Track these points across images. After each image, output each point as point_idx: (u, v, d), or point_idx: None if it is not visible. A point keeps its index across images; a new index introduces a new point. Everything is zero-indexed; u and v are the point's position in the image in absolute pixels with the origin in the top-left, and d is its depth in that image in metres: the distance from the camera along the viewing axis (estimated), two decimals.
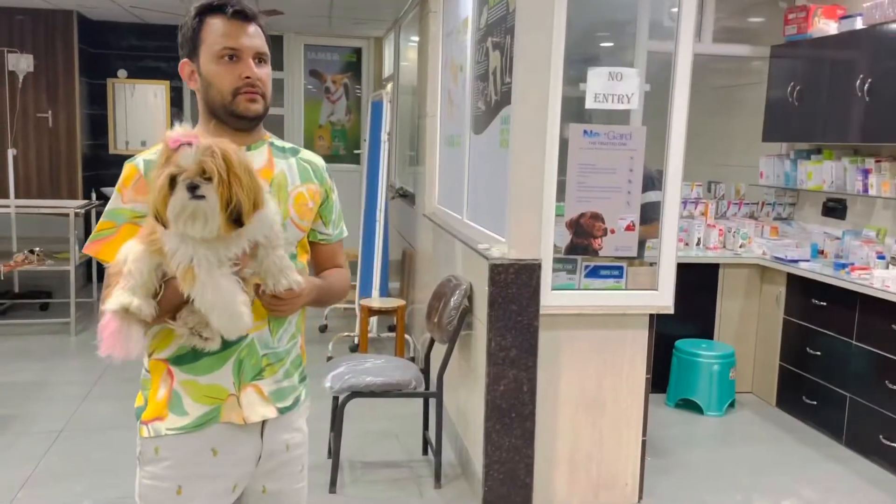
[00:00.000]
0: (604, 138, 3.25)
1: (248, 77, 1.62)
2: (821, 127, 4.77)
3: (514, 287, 3.22)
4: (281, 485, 1.77)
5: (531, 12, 3.10)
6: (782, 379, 4.81)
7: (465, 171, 4.16)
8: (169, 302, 1.54)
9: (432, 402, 3.78)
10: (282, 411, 1.72)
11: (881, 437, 3.96)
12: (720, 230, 5.18)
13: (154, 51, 8.20)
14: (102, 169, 8.08)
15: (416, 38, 6.46)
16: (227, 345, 1.63)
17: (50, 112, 7.43)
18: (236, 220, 1.43)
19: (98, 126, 8.18)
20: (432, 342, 3.92)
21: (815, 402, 4.49)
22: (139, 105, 8.30)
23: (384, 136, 5.49)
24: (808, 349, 4.53)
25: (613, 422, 3.43)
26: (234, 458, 1.67)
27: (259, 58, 1.65)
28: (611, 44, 3.93)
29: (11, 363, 5.21)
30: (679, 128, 3.30)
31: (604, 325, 3.36)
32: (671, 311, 3.39)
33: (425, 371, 3.85)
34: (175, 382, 1.64)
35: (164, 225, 1.43)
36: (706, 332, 4.98)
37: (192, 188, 1.39)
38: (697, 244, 5.15)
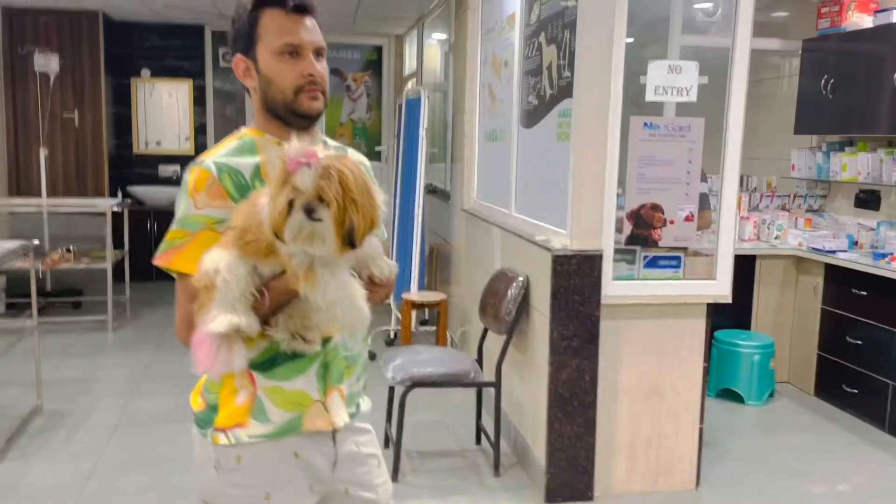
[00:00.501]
0: (663, 130, 3.31)
1: (310, 75, 1.57)
2: (855, 119, 4.83)
3: (577, 278, 3.28)
4: (363, 484, 1.76)
5: (595, 7, 3.16)
6: (821, 368, 4.87)
7: (512, 165, 4.21)
8: (274, 305, 1.50)
9: (485, 391, 3.83)
10: (351, 416, 1.71)
11: None
12: (754, 222, 5.24)
13: (177, 50, 8.25)
14: (127, 168, 8.12)
15: (441, 36, 6.52)
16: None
17: (76, 112, 7.47)
18: (350, 242, 1.41)
19: (122, 125, 8.22)
20: (485, 333, 3.97)
21: (855, 391, 4.55)
22: (155, 105, 8.31)
23: (422, 133, 5.54)
24: (847, 338, 4.60)
25: (672, 409, 3.49)
26: (313, 462, 1.66)
27: (318, 52, 1.60)
28: (649, 39, 3.97)
29: (54, 360, 5.24)
30: (737, 120, 3.35)
31: (662, 315, 3.42)
32: (729, 300, 3.46)
33: (478, 361, 3.90)
34: (258, 388, 1.59)
35: (282, 242, 1.42)
36: (743, 323, 5.04)
37: (309, 211, 1.38)
38: None
